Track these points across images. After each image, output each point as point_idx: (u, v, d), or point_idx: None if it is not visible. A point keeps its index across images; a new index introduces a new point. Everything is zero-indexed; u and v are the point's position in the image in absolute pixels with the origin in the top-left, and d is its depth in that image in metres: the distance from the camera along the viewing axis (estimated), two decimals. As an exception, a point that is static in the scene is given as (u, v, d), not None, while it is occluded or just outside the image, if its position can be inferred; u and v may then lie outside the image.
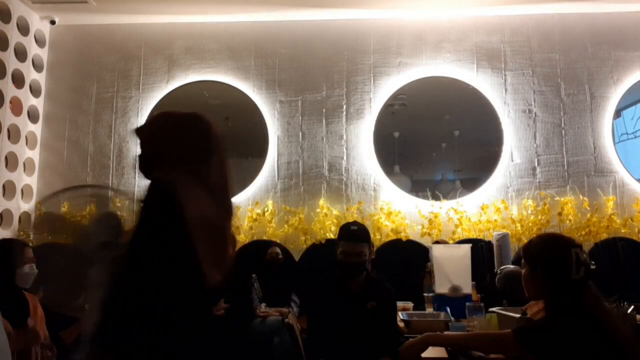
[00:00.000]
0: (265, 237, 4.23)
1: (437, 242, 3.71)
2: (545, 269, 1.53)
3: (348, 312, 2.21)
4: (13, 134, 4.28)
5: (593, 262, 1.55)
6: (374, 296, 2.26)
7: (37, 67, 4.57)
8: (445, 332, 2.24)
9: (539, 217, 4.16)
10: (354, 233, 2.30)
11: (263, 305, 3.56)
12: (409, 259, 3.90)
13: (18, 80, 4.33)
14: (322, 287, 2.36)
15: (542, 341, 1.44)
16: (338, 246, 2.33)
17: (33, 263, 2.31)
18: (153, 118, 1.35)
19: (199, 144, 1.29)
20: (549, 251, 1.56)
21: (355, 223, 2.42)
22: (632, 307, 2.25)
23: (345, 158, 4.44)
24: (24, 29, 4.40)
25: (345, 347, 2.17)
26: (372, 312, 2.20)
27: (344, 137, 4.47)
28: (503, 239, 3.49)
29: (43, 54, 4.65)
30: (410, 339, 1.65)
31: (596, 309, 1.46)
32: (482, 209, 4.23)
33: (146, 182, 1.34)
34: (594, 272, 1.54)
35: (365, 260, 2.27)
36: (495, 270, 3.12)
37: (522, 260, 1.63)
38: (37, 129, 4.55)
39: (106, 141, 4.57)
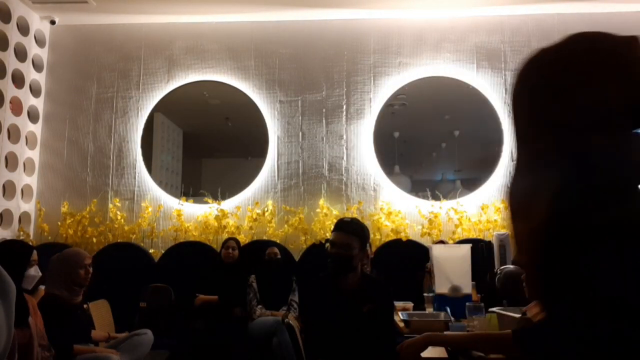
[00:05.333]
0: (265, 237, 4.23)
1: (437, 242, 3.71)
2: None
3: (342, 312, 2.15)
4: (13, 134, 4.28)
5: None
6: (369, 295, 2.17)
7: (37, 67, 4.57)
8: (445, 332, 2.23)
9: (539, 217, 4.16)
10: (344, 224, 2.22)
11: (259, 307, 3.57)
12: (409, 259, 3.90)
13: (18, 80, 4.33)
14: (316, 286, 2.30)
15: (542, 341, 1.43)
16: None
17: (37, 265, 2.31)
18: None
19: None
20: None
21: (352, 218, 2.36)
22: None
23: (345, 158, 4.44)
24: (24, 29, 4.40)
25: (342, 348, 2.14)
26: (368, 313, 2.14)
27: (344, 137, 4.47)
28: (503, 239, 3.49)
29: (43, 54, 4.65)
30: (410, 339, 1.65)
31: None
32: (482, 209, 4.23)
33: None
34: None
35: (352, 254, 2.14)
36: (495, 270, 3.12)
37: None
38: (37, 129, 4.55)
39: (106, 141, 4.57)
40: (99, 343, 2.78)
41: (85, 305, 2.74)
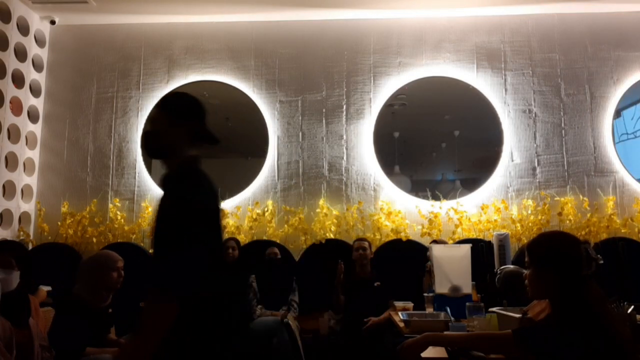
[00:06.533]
0: (265, 237, 4.23)
1: (435, 242, 3.70)
2: (556, 266, 1.53)
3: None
4: (13, 134, 4.28)
5: (600, 257, 1.54)
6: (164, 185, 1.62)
7: (37, 67, 4.57)
8: (445, 332, 2.22)
9: (539, 217, 4.17)
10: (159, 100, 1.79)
11: (259, 307, 3.57)
12: (409, 259, 3.90)
13: (18, 80, 4.33)
14: None
15: (542, 341, 1.43)
16: None
17: (7, 267, 2.19)
18: None
19: None
20: (559, 248, 1.55)
21: (173, 91, 1.87)
22: (632, 307, 2.24)
23: (345, 158, 4.44)
24: (24, 29, 4.40)
25: None
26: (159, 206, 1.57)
27: (344, 137, 4.47)
28: (503, 239, 3.49)
29: (43, 54, 4.65)
30: (410, 339, 1.65)
31: (599, 306, 1.46)
32: (482, 209, 4.23)
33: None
34: (594, 272, 1.54)
35: (156, 129, 1.67)
36: (495, 270, 3.12)
37: (527, 260, 1.61)
38: (37, 129, 4.55)
39: (106, 141, 4.57)
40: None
41: (110, 310, 2.71)
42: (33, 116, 4.51)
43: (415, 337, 1.64)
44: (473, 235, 4.17)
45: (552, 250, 1.57)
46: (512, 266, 3.06)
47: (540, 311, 1.97)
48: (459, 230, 4.18)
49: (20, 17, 4.35)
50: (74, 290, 2.55)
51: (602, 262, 1.53)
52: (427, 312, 3.04)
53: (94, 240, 4.28)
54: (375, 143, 4.42)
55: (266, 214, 4.28)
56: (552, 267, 1.53)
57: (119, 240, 4.27)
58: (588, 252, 1.51)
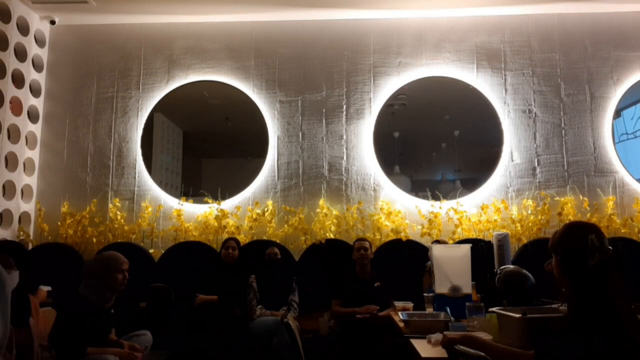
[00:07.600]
0: (265, 237, 4.23)
1: (437, 242, 3.70)
2: (562, 257, 1.54)
3: None
4: (13, 134, 4.28)
5: (610, 247, 1.52)
6: None
7: (37, 67, 4.57)
8: (483, 337, 2.15)
9: (539, 217, 4.17)
10: None
11: (259, 307, 3.57)
12: (409, 259, 3.90)
13: (18, 80, 4.32)
14: None
15: (563, 355, 1.41)
16: None
17: (6, 267, 2.20)
18: None
19: None
20: (566, 239, 1.56)
21: None
22: (632, 307, 2.24)
23: (345, 158, 4.44)
24: (24, 29, 4.40)
25: None
26: None
27: (344, 137, 4.47)
28: (503, 239, 3.49)
29: (43, 54, 4.65)
30: (452, 333, 1.79)
31: (618, 297, 1.45)
32: (482, 209, 4.23)
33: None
34: (598, 263, 1.53)
35: None
36: (495, 270, 3.12)
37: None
38: (37, 129, 4.55)
39: (106, 141, 4.57)
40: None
41: (112, 310, 2.70)
42: (33, 116, 4.51)
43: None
44: (473, 235, 4.17)
45: (560, 241, 1.58)
46: (512, 266, 3.06)
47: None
48: (459, 230, 4.18)
49: (20, 17, 4.35)
50: (79, 290, 2.56)
51: (610, 251, 1.52)
52: (427, 312, 3.04)
53: (94, 240, 4.28)
54: (375, 143, 4.42)
55: (266, 214, 4.28)
56: (558, 256, 1.55)
57: (118, 240, 4.27)
58: (593, 242, 1.49)
